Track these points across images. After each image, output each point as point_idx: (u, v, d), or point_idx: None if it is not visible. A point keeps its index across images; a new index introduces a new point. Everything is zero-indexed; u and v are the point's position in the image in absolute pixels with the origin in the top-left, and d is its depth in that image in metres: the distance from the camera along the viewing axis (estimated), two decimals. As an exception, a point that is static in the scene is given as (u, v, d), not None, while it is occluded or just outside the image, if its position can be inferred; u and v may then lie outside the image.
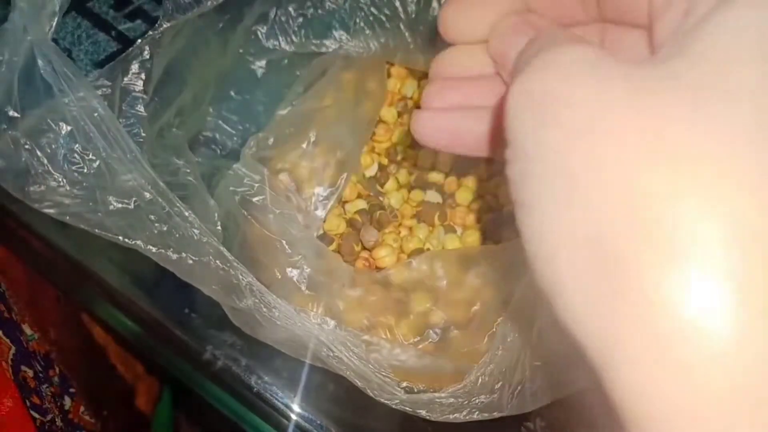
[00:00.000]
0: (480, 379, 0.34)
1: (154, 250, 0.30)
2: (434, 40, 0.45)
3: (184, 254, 0.31)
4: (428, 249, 0.45)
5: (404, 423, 0.41)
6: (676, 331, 0.13)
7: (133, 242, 0.30)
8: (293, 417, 0.41)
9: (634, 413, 0.13)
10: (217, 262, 0.31)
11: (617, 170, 0.14)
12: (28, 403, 0.45)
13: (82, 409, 0.56)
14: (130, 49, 0.34)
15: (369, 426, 0.41)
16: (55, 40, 0.30)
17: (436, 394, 0.34)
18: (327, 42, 0.46)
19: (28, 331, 0.50)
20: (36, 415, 0.46)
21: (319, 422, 0.41)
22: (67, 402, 0.54)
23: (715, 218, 0.13)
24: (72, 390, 0.55)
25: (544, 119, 0.15)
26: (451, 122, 0.24)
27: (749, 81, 0.13)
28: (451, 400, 0.33)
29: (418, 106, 0.26)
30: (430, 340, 0.40)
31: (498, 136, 0.23)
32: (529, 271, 0.16)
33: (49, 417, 0.48)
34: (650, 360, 0.13)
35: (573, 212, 0.14)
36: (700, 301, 0.12)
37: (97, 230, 0.30)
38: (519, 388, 0.33)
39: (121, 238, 0.30)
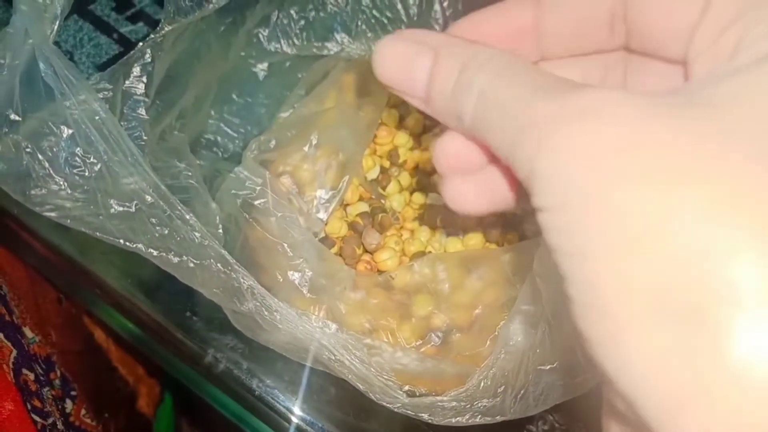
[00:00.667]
0: (482, 383, 0.33)
1: (155, 253, 0.30)
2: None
3: (185, 257, 0.31)
4: (430, 252, 0.45)
5: (406, 427, 0.41)
6: (754, 396, 0.12)
7: (134, 246, 0.30)
8: (294, 420, 0.41)
9: None
10: (218, 265, 0.31)
11: (688, 223, 0.13)
12: (29, 407, 0.45)
13: (83, 411, 0.56)
14: (132, 52, 0.33)
15: (371, 429, 0.41)
16: (56, 43, 0.30)
17: (438, 398, 0.34)
18: (329, 44, 0.46)
19: (29, 333, 0.50)
20: (37, 419, 0.46)
21: (320, 425, 0.41)
22: (69, 405, 0.54)
23: None
24: (73, 393, 0.55)
25: (598, 170, 0.14)
26: (485, 186, 0.22)
27: None
28: (454, 403, 0.33)
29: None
30: (432, 343, 0.40)
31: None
32: (570, 319, 0.16)
33: (50, 420, 0.48)
34: (725, 425, 0.13)
35: (639, 264, 0.14)
36: None
37: (98, 234, 0.30)
38: (522, 392, 0.33)
39: (122, 241, 0.30)
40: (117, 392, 0.67)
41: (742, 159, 0.13)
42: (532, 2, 0.21)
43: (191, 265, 0.31)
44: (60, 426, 0.49)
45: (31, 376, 0.48)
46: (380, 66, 0.21)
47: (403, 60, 0.20)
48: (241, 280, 0.32)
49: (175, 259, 0.30)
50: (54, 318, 0.57)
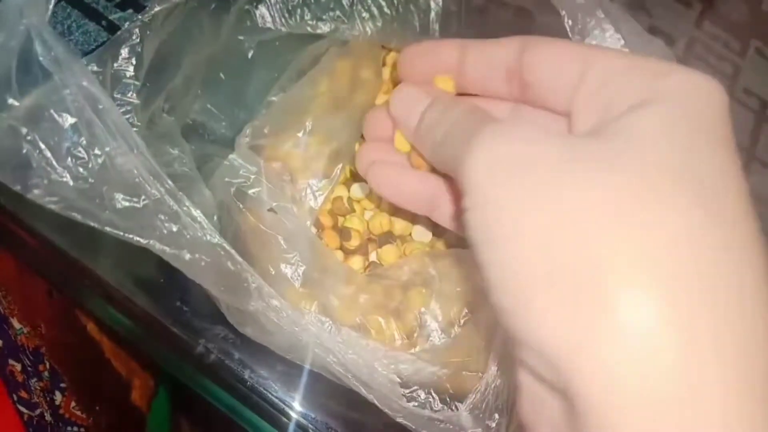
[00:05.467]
0: (476, 412, 0.33)
1: (168, 251, 0.29)
2: (431, 25, 0.45)
3: (197, 255, 0.30)
4: (427, 248, 0.45)
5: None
6: (624, 344, 0.17)
7: (147, 242, 0.29)
8: (287, 411, 0.41)
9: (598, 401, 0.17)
10: (228, 263, 0.30)
11: (571, 224, 0.18)
12: (14, 398, 0.44)
13: (72, 404, 0.55)
14: (119, 32, 0.32)
15: (364, 420, 0.41)
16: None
17: (435, 416, 0.33)
18: (322, 24, 0.45)
19: (16, 325, 0.49)
20: (24, 410, 0.45)
21: (313, 416, 0.40)
22: (58, 397, 0.53)
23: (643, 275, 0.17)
24: (62, 385, 0.54)
25: (510, 176, 0.20)
26: (396, 178, 0.29)
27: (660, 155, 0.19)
28: (450, 426, 0.33)
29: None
30: (425, 339, 0.40)
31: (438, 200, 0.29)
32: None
33: (37, 411, 0.47)
34: (608, 356, 0.17)
35: (531, 246, 0.18)
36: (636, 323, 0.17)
37: (107, 228, 0.28)
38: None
39: (134, 237, 0.29)
40: (109, 385, 0.66)
41: (609, 178, 0.18)
42: (458, 46, 0.27)
43: (203, 263, 0.30)
44: (48, 417, 0.49)
45: (18, 367, 0.47)
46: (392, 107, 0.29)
47: (408, 104, 0.28)
48: (250, 279, 0.31)
49: (188, 256, 0.29)
50: (44, 310, 0.56)
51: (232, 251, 0.31)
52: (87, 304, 0.46)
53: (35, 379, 0.49)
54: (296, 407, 0.40)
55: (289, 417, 0.41)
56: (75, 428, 0.55)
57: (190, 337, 0.41)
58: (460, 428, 0.33)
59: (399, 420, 0.33)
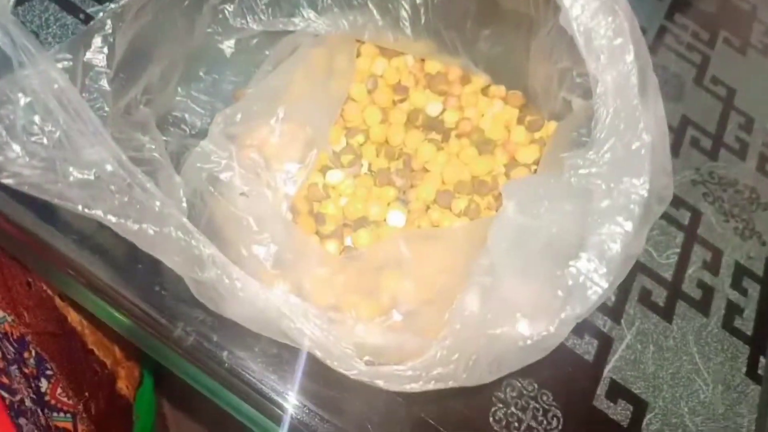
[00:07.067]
0: (438, 353, 0.34)
1: (114, 220, 0.30)
2: (402, 18, 0.45)
3: (144, 225, 0.31)
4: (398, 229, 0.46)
5: (374, 396, 0.41)
6: None
7: (93, 212, 0.30)
8: (266, 391, 0.41)
9: None
10: (179, 233, 0.31)
11: None
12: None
13: (59, 390, 0.56)
14: (92, 22, 0.33)
15: (342, 399, 0.41)
16: (22, 24, 0.30)
17: (396, 367, 0.34)
18: (295, 20, 0.46)
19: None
20: (5, 395, 0.46)
21: (292, 396, 0.41)
22: (44, 384, 0.54)
23: None
24: (49, 372, 0.55)
25: None
26: None
27: None
28: (410, 372, 0.34)
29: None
30: (396, 319, 0.41)
31: None
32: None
33: (18, 397, 0.48)
34: None
35: None
36: None
37: (56, 200, 0.29)
38: (474, 357, 0.33)
39: (80, 207, 0.30)
40: (95, 374, 0.67)
41: None
42: None
43: (151, 232, 0.31)
44: (28, 403, 0.49)
45: (-1, 354, 0.48)
46: None
47: None
48: (202, 248, 0.32)
49: (135, 227, 0.30)
50: (25, 301, 0.56)
51: (184, 220, 0.31)
52: (65, 289, 0.47)
53: (16, 366, 0.50)
54: (275, 387, 0.41)
55: (267, 397, 0.41)
56: (62, 414, 0.56)
57: (168, 320, 0.42)
58: (424, 371, 0.33)
59: (355, 377, 0.34)
